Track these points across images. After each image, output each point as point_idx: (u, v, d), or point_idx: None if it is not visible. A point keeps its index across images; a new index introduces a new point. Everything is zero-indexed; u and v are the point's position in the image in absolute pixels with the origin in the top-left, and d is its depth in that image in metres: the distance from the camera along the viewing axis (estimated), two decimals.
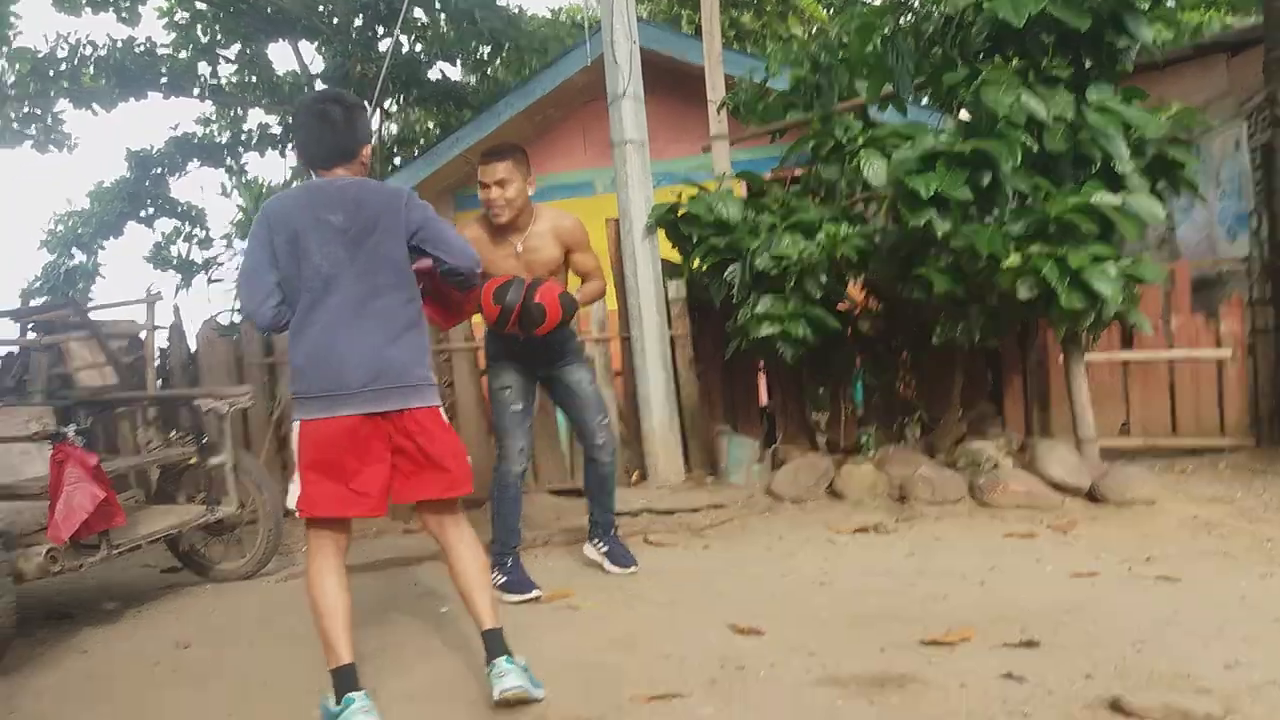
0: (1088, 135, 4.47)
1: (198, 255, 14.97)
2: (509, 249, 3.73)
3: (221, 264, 11.10)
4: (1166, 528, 4.19)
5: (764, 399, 6.31)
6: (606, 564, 3.97)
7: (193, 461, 4.48)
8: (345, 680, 2.58)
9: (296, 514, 2.69)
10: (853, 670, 2.70)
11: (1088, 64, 4.70)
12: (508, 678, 2.64)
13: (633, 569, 3.93)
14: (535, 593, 3.67)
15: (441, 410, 2.80)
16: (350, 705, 2.53)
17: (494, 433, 3.93)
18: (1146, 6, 4.58)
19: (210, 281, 9.62)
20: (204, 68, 14.79)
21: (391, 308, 2.71)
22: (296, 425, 2.68)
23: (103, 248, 14.23)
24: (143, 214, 14.63)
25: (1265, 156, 6.16)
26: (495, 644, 2.72)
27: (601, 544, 4.01)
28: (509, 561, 3.80)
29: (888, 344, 5.84)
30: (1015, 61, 4.60)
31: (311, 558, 2.70)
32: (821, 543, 4.28)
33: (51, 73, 13.01)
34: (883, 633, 3.00)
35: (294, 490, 2.68)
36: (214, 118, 16.10)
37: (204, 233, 15.26)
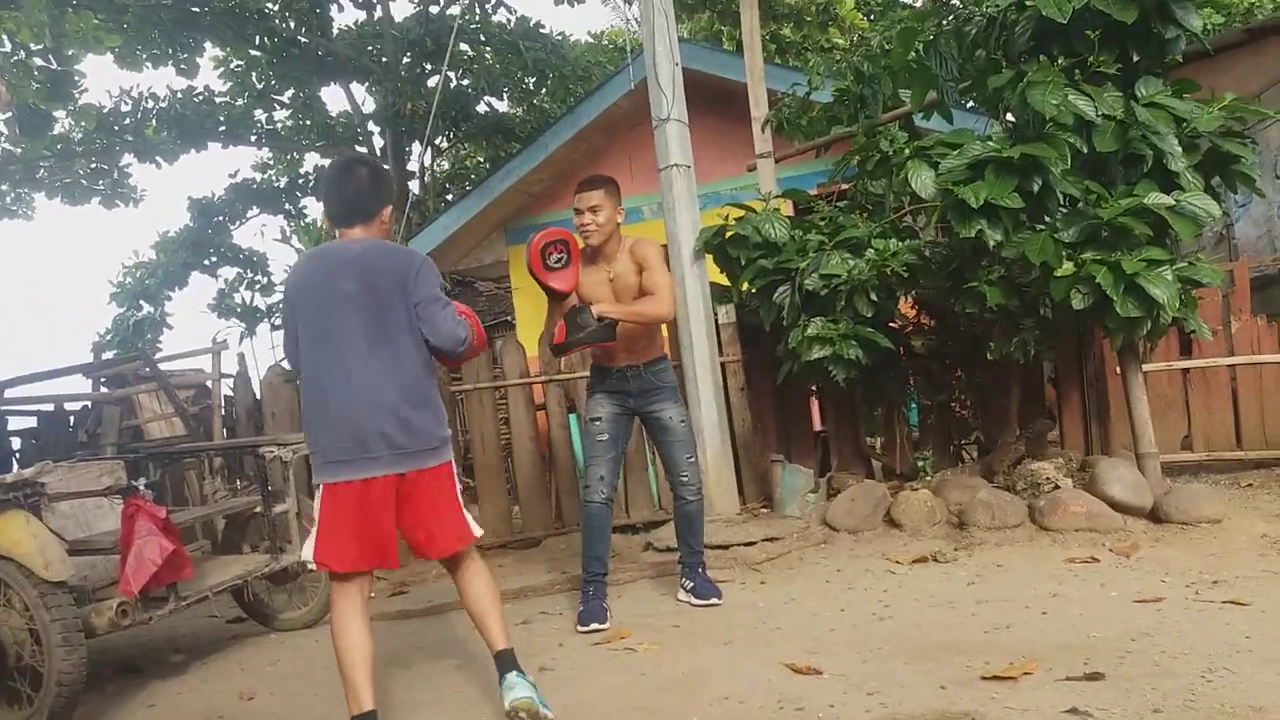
0: (1138, 133, 4.31)
1: (260, 302, 15.39)
2: (601, 275, 3.99)
3: None
4: (1234, 548, 4.02)
5: (817, 424, 6.22)
6: (692, 600, 4.06)
7: (257, 510, 4.56)
8: None
9: (314, 567, 2.83)
10: (913, 709, 2.64)
11: (1135, 58, 4.53)
12: (518, 689, 2.82)
13: (714, 600, 4.01)
14: (594, 625, 3.79)
15: (454, 464, 2.96)
16: None
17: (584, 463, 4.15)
18: None
19: (274, 328, 9.82)
20: (260, 114, 15.24)
21: (407, 370, 2.84)
22: (320, 489, 2.80)
23: (169, 298, 14.70)
24: (206, 262, 15.09)
25: None
26: (507, 662, 2.90)
27: (688, 581, 4.13)
28: (590, 590, 3.95)
29: (941, 362, 5.70)
30: (1060, 60, 4.47)
31: (335, 605, 2.80)
32: (880, 574, 4.20)
33: (116, 127, 13.51)
34: (944, 667, 2.93)
35: (309, 545, 2.81)
36: (271, 163, 16.55)
37: (265, 279, 15.69)
